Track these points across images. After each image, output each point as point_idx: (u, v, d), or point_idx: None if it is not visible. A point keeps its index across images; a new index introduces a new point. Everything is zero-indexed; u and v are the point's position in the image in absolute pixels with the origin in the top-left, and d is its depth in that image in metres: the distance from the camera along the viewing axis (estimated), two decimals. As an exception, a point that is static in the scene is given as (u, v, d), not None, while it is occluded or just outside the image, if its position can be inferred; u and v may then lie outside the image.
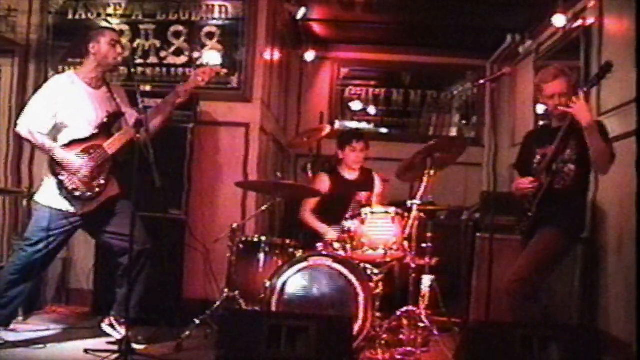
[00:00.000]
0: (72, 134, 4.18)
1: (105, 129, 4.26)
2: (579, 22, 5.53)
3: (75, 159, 4.13)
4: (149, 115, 4.22)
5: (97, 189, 4.19)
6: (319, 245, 4.81)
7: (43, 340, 4.36)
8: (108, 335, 4.36)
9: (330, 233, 5.25)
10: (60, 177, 4.12)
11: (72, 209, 4.18)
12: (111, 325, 4.39)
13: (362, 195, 5.45)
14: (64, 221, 4.20)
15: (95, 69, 4.33)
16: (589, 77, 5.08)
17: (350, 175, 5.66)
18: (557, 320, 4.77)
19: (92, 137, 4.22)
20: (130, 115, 4.34)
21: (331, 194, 5.48)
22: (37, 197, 4.28)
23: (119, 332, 4.29)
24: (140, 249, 4.27)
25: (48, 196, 4.20)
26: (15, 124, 4.24)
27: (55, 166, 4.13)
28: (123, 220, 4.26)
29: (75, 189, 4.13)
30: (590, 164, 4.05)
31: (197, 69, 4.63)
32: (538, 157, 4.17)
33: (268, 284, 4.33)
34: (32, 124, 4.13)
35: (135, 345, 4.02)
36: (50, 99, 4.18)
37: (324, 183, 5.61)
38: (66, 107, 4.18)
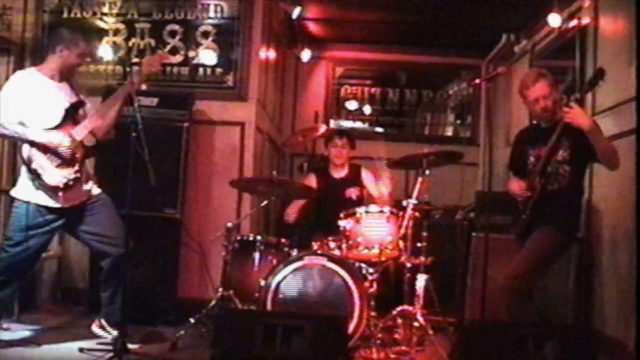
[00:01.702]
0: (39, 124, 4.14)
1: (70, 118, 4.25)
2: (575, 22, 5.54)
3: (53, 134, 4.11)
4: (90, 119, 4.26)
5: (73, 176, 4.16)
6: (314, 245, 4.81)
7: (38, 339, 4.36)
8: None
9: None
10: (33, 166, 4.08)
11: (50, 203, 4.14)
12: (101, 327, 4.39)
13: (351, 191, 5.48)
14: (40, 218, 4.15)
15: (57, 68, 4.31)
16: (584, 80, 5.11)
17: (339, 173, 5.72)
18: (551, 319, 4.77)
19: (59, 125, 4.19)
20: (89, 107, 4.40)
21: (319, 193, 5.49)
22: (13, 192, 4.23)
23: (110, 334, 4.29)
24: (118, 253, 4.25)
25: (25, 190, 4.16)
26: None
27: (29, 153, 4.08)
28: (102, 220, 4.28)
29: (50, 178, 4.08)
30: (584, 163, 4.06)
31: (147, 59, 4.68)
32: (532, 158, 4.16)
33: (263, 283, 4.33)
34: (2, 117, 4.08)
35: (129, 345, 4.01)
36: (15, 92, 4.15)
37: (311, 183, 5.65)
38: (31, 99, 4.16)
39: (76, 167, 4.20)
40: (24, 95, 4.16)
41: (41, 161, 4.10)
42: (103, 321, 4.39)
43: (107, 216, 4.30)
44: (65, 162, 4.15)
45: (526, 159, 4.20)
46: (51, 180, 4.10)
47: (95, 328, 4.39)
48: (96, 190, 4.36)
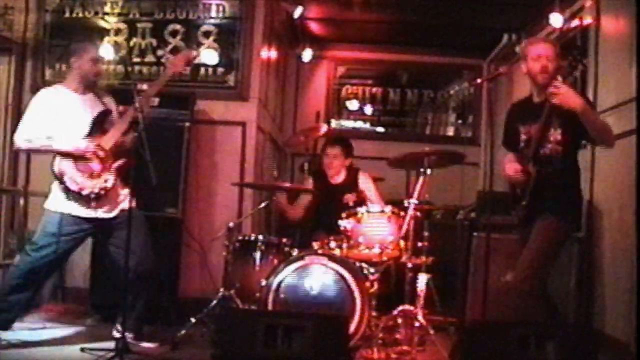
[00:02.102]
0: (68, 137, 4.20)
1: (98, 128, 4.29)
2: (576, 22, 5.53)
3: (78, 140, 4.17)
4: (116, 128, 4.30)
5: (105, 184, 4.20)
6: (315, 244, 4.81)
7: (39, 339, 4.36)
8: (105, 334, 4.35)
9: None
10: (65, 178, 4.13)
11: (83, 213, 4.19)
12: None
13: (348, 197, 5.42)
14: (74, 227, 4.21)
15: (79, 82, 4.37)
16: (585, 79, 5.10)
17: (336, 179, 5.67)
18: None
19: (88, 136, 4.24)
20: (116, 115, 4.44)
21: (317, 198, 5.48)
22: (46, 204, 4.28)
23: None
24: (141, 269, 4.25)
25: (57, 201, 4.21)
26: (13, 131, 4.36)
27: (60, 166, 4.14)
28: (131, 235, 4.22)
29: (82, 189, 4.14)
30: (577, 142, 3.96)
31: (171, 59, 4.69)
32: (523, 136, 4.05)
33: (264, 282, 4.33)
34: (28, 133, 4.17)
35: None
36: (41, 109, 4.23)
37: (308, 187, 5.64)
38: (56, 115, 4.22)
39: (107, 176, 4.23)
40: (49, 111, 4.22)
41: (72, 173, 4.15)
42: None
43: (135, 234, 4.18)
44: (95, 172, 4.19)
45: (518, 136, 4.12)
46: (84, 192, 4.14)
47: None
48: (131, 203, 4.33)
